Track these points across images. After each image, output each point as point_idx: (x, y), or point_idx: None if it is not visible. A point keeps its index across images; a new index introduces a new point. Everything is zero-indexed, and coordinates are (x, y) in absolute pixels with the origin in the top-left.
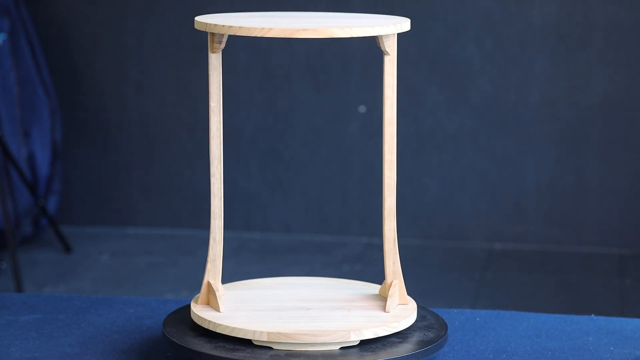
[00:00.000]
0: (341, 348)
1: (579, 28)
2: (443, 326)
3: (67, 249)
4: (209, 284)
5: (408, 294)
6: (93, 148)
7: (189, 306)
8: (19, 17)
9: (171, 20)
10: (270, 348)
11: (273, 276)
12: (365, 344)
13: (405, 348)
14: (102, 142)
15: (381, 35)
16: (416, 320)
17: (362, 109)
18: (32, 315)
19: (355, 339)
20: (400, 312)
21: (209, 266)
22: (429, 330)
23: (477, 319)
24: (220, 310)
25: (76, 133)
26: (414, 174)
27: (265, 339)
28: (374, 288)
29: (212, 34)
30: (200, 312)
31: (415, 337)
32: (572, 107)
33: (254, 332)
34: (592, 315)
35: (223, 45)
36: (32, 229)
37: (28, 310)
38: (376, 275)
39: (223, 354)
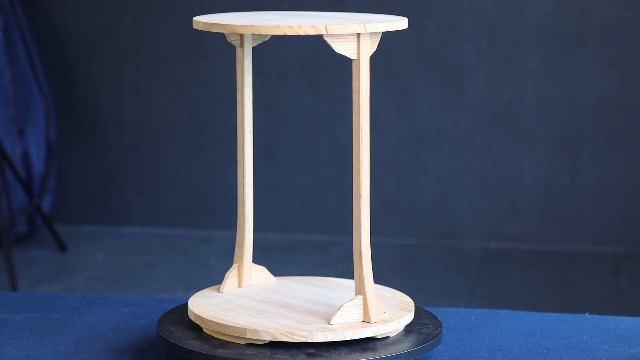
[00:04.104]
0: (248, 344)
1: (574, 27)
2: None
3: (62, 247)
4: (233, 267)
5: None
6: (88, 147)
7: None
8: (13, 15)
9: (167, 19)
10: (202, 330)
11: None
12: (284, 347)
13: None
14: (97, 141)
15: (326, 37)
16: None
17: None
18: (26, 314)
19: (250, 337)
20: (340, 327)
21: (236, 250)
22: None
23: (472, 317)
24: (220, 292)
25: (71, 132)
26: (410, 172)
27: (193, 319)
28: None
29: None
30: (204, 289)
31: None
32: (567, 106)
33: (190, 312)
34: (587, 314)
35: (239, 41)
36: (27, 227)
37: (23, 309)
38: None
39: (169, 335)
